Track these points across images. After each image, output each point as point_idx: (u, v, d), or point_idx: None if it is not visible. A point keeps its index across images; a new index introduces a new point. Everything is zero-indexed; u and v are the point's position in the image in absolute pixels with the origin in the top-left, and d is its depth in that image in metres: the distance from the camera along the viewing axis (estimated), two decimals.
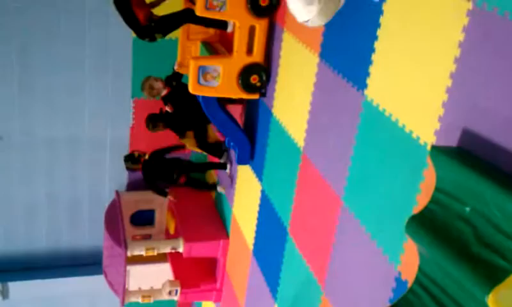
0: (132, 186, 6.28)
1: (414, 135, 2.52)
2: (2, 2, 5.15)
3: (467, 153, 2.20)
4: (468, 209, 2.06)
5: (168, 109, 4.85)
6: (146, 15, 4.35)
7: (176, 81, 4.85)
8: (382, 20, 2.76)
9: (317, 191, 3.50)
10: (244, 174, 4.86)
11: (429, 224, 2.19)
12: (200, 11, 3.98)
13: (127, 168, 5.29)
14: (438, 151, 2.25)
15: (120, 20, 5.39)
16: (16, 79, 5.50)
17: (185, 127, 4.97)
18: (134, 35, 5.45)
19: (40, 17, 5.28)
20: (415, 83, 2.52)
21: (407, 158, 2.57)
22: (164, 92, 4.80)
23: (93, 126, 5.93)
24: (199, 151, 5.23)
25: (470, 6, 2.15)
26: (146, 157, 5.11)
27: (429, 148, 2.41)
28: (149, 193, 5.52)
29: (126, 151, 6.07)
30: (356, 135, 3.01)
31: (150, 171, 5.10)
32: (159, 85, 4.78)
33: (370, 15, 2.85)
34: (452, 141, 2.28)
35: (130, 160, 5.15)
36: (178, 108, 4.87)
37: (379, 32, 2.79)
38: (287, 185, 3.92)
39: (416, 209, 2.47)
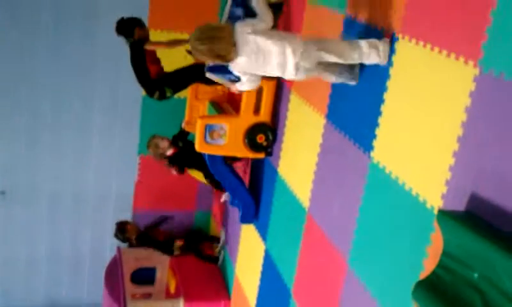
0: None
1: (421, 199, 2.49)
2: (11, 60, 5.26)
3: (475, 218, 2.17)
4: (476, 275, 2.01)
5: (173, 172, 4.87)
6: (159, 71, 4.44)
7: (182, 141, 4.88)
8: (389, 83, 2.79)
9: (322, 253, 3.44)
10: (248, 234, 4.80)
11: (437, 290, 2.14)
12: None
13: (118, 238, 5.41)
14: (445, 215, 2.23)
15: (129, 77, 5.53)
16: (23, 134, 5.54)
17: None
18: (143, 93, 5.55)
19: (48, 74, 5.37)
20: (421, 146, 2.52)
21: (414, 221, 2.54)
22: (169, 152, 4.81)
23: (98, 181, 5.93)
24: (205, 182, 5.15)
25: (477, 72, 2.18)
26: (134, 240, 5.28)
27: (436, 211, 2.38)
28: (151, 250, 5.48)
29: (130, 208, 6.06)
30: (362, 197, 2.99)
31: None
32: (164, 144, 4.78)
33: (377, 79, 2.89)
34: (460, 205, 2.26)
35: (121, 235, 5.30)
36: (184, 168, 4.91)
37: (385, 95, 2.82)
38: (291, 245, 3.87)
39: (423, 274, 2.42)
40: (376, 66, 2.90)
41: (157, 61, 4.52)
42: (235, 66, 2.87)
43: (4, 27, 5.12)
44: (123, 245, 6.05)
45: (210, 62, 3.30)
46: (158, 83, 4.42)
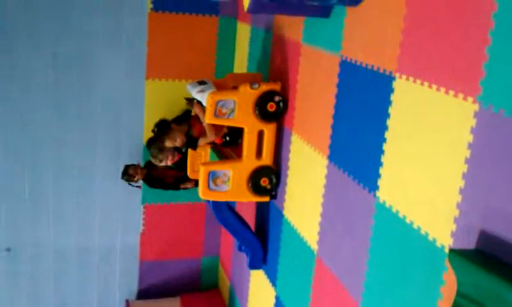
0: (143, 294, 6.14)
1: (430, 238, 2.46)
2: (11, 115, 5.30)
3: (486, 255, 2.14)
4: None
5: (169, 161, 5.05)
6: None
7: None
8: (389, 123, 2.80)
9: (334, 296, 3.39)
10: (257, 280, 4.75)
11: None
12: (209, 119, 4.08)
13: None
14: (456, 254, 2.19)
15: (130, 126, 5.57)
16: (27, 190, 5.54)
17: None
18: (145, 142, 5.58)
19: (48, 126, 5.40)
20: (427, 184, 2.51)
21: (425, 261, 2.50)
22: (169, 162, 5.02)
23: (103, 234, 5.90)
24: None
25: (476, 108, 2.18)
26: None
27: (446, 250, 2.35)
28: (160, 301, 5.40)
29: (136, 259, 6.01)
30: (371, 238, 2.96)
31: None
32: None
33: (377, 119, 2.90)
34: (470, 243, 2.23)
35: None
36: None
37: (387, 134, 2.82)
38: (302, 290, 3.81)
39: None
40: (375, 105, 2.92)
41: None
42: None
43: (5, 84, 5.18)
44: (132, 297, 5.97)
45: None
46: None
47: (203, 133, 4.57)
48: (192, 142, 4.66)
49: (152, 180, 5.42)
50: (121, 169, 5.47)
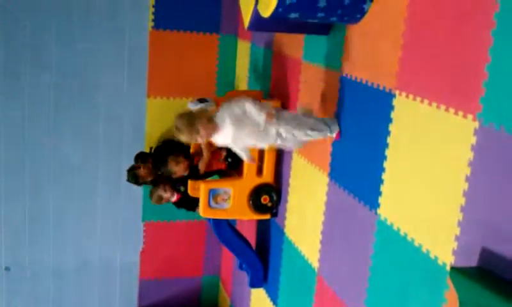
0: None
1: (432, 255, 2.45)
2: (12, 133, 5.31)
3: (487, 273, 2.12)
4: None
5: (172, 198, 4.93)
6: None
7: (184, 185, 4.84)
8: (390, 140, 2.79)
9: None
10: (258, 298, 4.71)
11: None
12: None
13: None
14: (457, 272, 2.18)
15: (130, 145, 5.55)
16: (27, 208, 5.53)
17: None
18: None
19: (51, 147, 5.40)
20: (428, 202, 2.50)
21: (427, 279, 2.48)
22: (174, 199, 4.88)
23: (103, 252, 5.86)
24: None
25: (476, 125, 2.17)
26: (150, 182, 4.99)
27: (448, 268, 2.33)
28: None
29: (136, 277, 5.96)
30: (372, 256, 2.94)
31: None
32: (167, 195, 4.85)
33: (377, 136, 2.89)
34: (472, 261, 2.21)
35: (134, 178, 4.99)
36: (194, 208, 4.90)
37: (387, 152, 2.82)
38: (304, 303, 3.79)
39: None
40: (376, 123, 2.92)
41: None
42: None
43: (8, 102, 5.19)
44: None
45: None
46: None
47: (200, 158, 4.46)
48: (193, 172, 4.45)
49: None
50: (122, 189, 5.46)
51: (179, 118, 3.03)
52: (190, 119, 3.01)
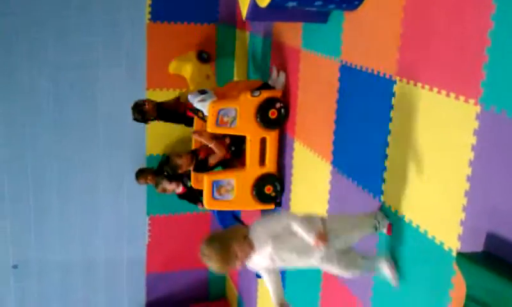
0: (151, 306, 6.12)
1: (437, 241, 2.44)
2: (15, 135, 5.31)
3: (493, 258, 2.12)
4: None
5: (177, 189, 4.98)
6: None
7: (190, 179, 4.84)
8: (392, 126, 2.78)
9: (342, 302, 3.37)
10: (265, 289, 4.69)
11: None
12: (210, 128, 4.07)
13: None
14: (463, 257, 2.17)
15: (132, 139, 5.55)
16: (32, 205, 5.54)
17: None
18: (147, 154, 5.57)
19: (53, 144, 5.40)
20: (432, 187, 2.49)
21: (433, 265, 2.48)
22: (179, 190, 4.92)
23: (109, 247, 5.88)
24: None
25: (478, 110, 2.16)
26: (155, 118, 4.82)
27: (454, 253, 2.33)
28: None
29: (143, 271, 5.98)
30: (377, 244, 2.93)
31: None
32: (172, 186, 4.90)
33: (378, 123, 2.88)
34: (478, 245, 2.20)
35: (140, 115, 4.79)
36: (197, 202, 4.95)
37: (389, 138, 2.80)
38: (311, 297, 3.79)
39: None
40: (377, 110, 2.90)
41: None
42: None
43: (9, 103, 5.19)
44: None
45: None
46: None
47: (210, 153, 4.46)
48: (202, 165, 4.47)
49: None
50: (125, 184, 5.48)
51: (208, 244, 2.43)
52: (223, 243, 2.42)
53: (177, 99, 4.94)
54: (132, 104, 4.75)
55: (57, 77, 5.25)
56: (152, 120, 4.81)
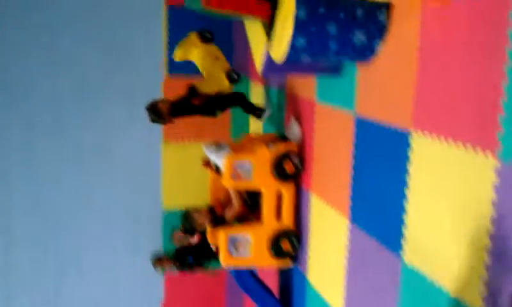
0: None
1: (462, 302, 2.31)
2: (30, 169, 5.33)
3: None
4: None
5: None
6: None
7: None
8: (409, 180, 2.69)
9: None
10: None
11: None
12: (226, 181, 4.02)
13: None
14: None
15: (148, 189, 5.51)
16: (51, 267, 5.50)
17: None
18: (164, 207, 5.52)
19: (67, 204, 5.41)
20: (453, 244, 2.37)
21: None
22: (195, 241, 4.80)
23: (123, 305, 5.77)
24: None
25: (497, 163, 2.07)
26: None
27: None
28: None
29: None
30: (399, 303, 2.79)
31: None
32: (188, 240, 4.82)
33: (396, 176, 2.79)
34: (502, 305, 2.07)
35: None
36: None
37: (407, 192, 2.71)
38: None
39: None
40: (393, 163, 2.82)
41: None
42: None
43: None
44: None
45: None
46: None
47: (227, 205, 4.41)
48: (219, 221, 4.37)
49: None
50: (141, 242, 5.44)
51: None
52: None
53: (190, 89, 4.63)
54: (147, 105, 4.53)
55: (56, 101, 5.36)
56: (170, 121, 4.58)
